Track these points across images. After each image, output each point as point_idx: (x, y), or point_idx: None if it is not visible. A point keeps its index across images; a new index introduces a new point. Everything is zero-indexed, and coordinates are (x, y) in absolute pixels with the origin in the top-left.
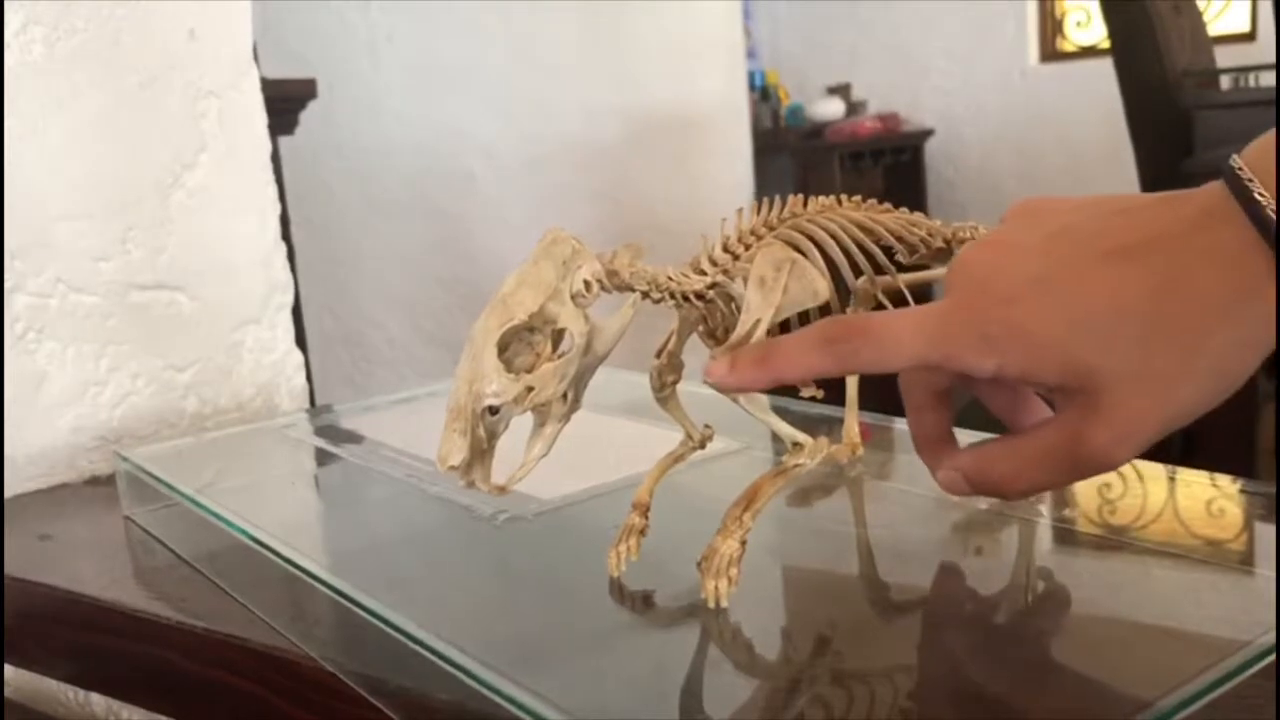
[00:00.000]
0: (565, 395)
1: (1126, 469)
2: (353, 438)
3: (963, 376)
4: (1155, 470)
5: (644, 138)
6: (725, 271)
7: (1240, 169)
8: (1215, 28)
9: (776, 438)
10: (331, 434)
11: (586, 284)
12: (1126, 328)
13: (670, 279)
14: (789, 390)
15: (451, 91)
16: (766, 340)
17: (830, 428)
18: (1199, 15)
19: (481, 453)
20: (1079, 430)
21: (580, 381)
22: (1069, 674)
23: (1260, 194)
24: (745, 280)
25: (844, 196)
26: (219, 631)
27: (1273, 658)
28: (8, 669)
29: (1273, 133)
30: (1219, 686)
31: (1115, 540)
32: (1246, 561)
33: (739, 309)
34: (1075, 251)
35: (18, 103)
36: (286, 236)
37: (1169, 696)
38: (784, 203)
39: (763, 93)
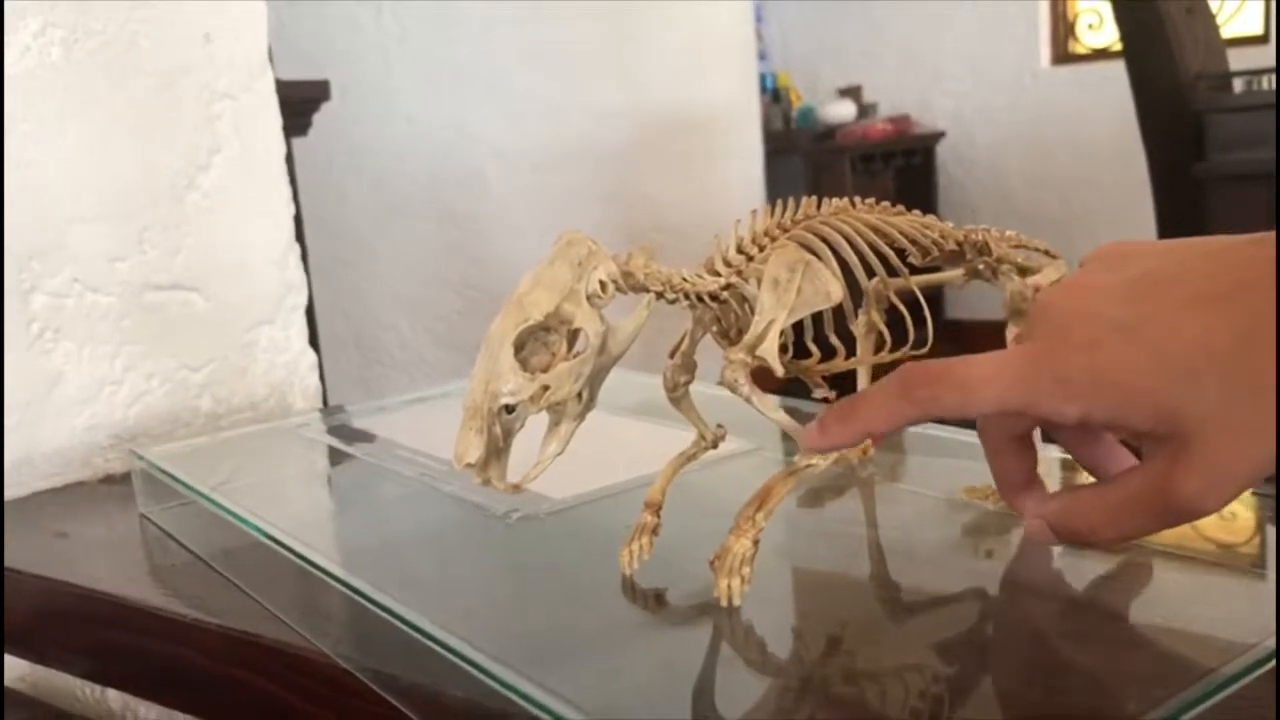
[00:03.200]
0: (580, 394)
1: None
2: (366, 437)
3: (1045, 421)
4: None
5: (655, 140)
6: (739, 273)
7: None
8: (1228, 30)
9: (788, 438)
10: (345, 433)
11: (602, 284)
12: (1214, 374)
13: (685, 280)
14: (800, 390)
15: (463, 93)
16: (849, 398)
17: None
18: (1212, 18)
19: (497, 451)
20: (1168, 477)
21: (595, 381)
22: (1078, 674)
23: None
24: (759, 281)
25: (857, 199)
26: (234, 628)
27: (1273, 663)
28: (25, 665)
29: None
30: (1225, 688)
31: (1128, 543)
32: (1257, 564)
33: (753, 310)
34: (1159, 297)
35: (36, 105)
36: (299, 238)
37: (1176, 697)
38: (798, 204)
39: (774, 95)
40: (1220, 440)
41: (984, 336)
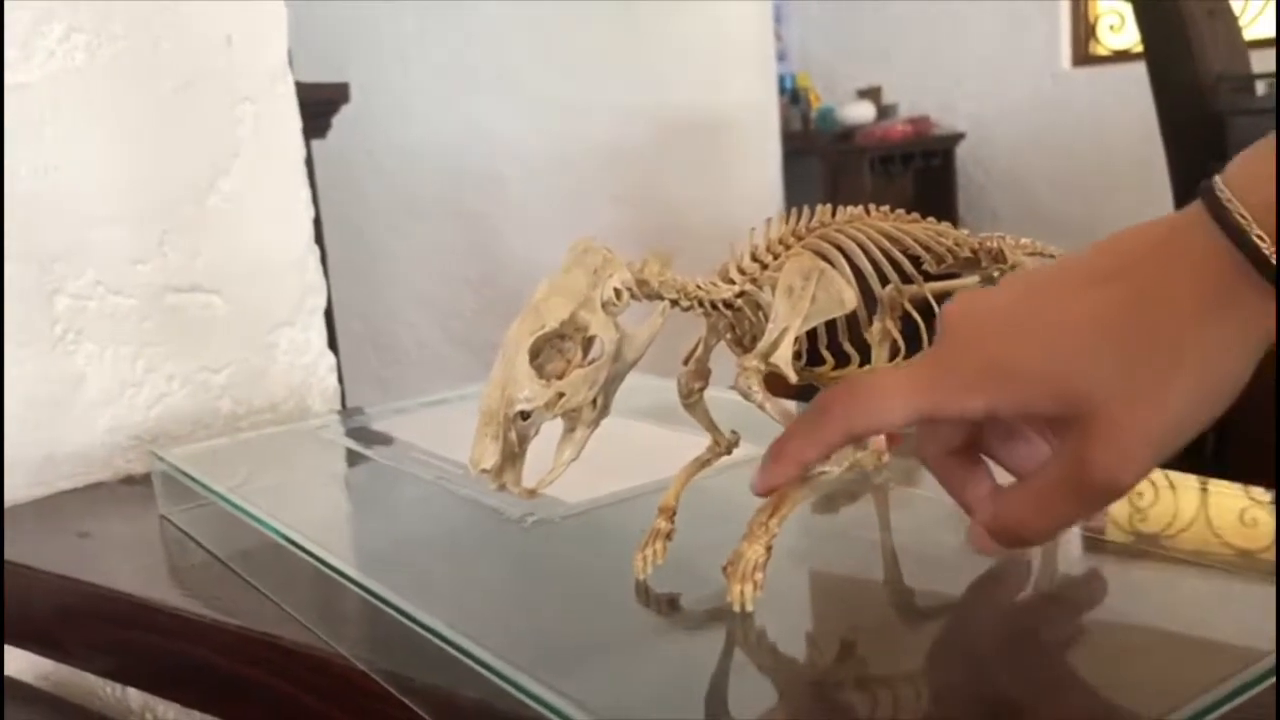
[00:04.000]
0: (595, 401)
1: (1159, 478)
2: (383, 439)
3: (957, 421)
4: (1188, 481)
5: (674, 140)
6: (754, 280)
7: (1220, 189)
8: (1250, 32)
9: None
10: (363, 436)
11: (617, 292)
12: (1106, 345)
13: (699, 288)
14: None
15: (481, 94)
16: (778, 437)
17: None
18: (1234, 19)
19: (513, 456)
20: (1080, 455)
21: (610, 388)
22: (1094, 679)
23: (1228, 201)
24: (773, 289)
25: (872, 206)
26: (251, 629)
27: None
28: (48, 663)
29: (1249, 150)
30: (1239, 695)
31: (1145, 549)
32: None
33: (766, 317)
34: (1047, 289)
35: (60, 109)
36: (318, 239)
37: (1189, 705)
38: (812, 212)
39: (793, 95)
40: (1122, 410)
41: None
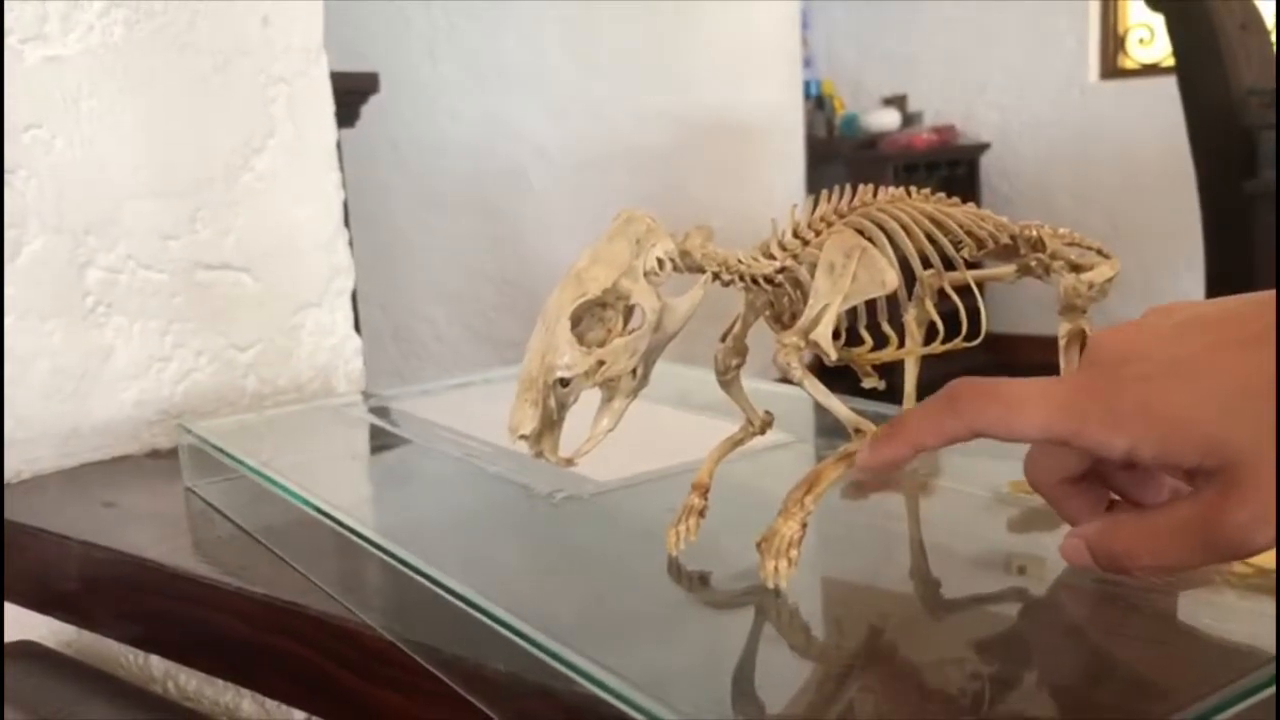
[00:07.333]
0: (635, 371)
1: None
2: (409, 418)
3: (1090, 454)
4: None
5: (698, 142)
6: (795, 256)
7: None
8: None
9: (833, 429)
10: (388, 415)
11: (660, 262)
12: (1267, 408)
13: (741, 262)
14: (848, 381)
15: (508, 91)
16: (897, 416)
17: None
18: (1266, 34)
19: (551, 424)
20: (1219, 507)
21: (650, 358)
22: (1118, 673)
23: None
24: (814, 266)
25: (913, 188)
26: (277, 598)
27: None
28: (71, 630)
29: None
30: (1238, 702)
31: (1162, 576)
32: None
33: (806, 295)
34: (1209, 337)
35: (98, 83)
36: (344, 225)
37: (1204, 700)
38: (854, 191)
39: (818, 102)
40: (1274, 471)
41: (1024, 349)
